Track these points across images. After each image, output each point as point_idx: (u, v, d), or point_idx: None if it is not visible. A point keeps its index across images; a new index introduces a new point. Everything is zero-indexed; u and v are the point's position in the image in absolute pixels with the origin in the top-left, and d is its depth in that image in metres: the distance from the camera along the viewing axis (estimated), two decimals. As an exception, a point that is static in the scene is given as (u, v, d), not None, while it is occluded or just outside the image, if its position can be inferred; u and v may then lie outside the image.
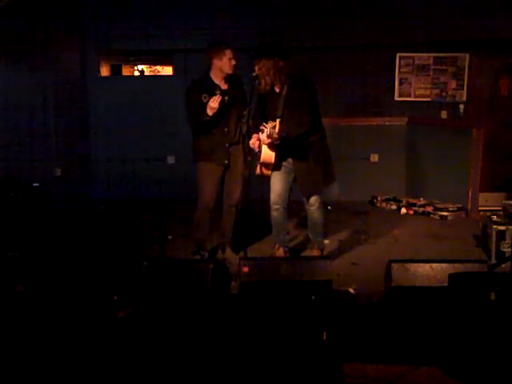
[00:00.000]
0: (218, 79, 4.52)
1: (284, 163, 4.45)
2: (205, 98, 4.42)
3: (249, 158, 4.47)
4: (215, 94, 4.34)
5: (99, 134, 7.38)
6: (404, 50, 7.04)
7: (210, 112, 4.32)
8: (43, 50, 6.63)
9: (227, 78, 4.56)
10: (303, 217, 4.88)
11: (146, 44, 7.24)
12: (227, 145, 4.56)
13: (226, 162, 4.58)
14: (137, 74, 8.45)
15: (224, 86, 4.55)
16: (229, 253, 4.76)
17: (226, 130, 4.54)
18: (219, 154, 4.56)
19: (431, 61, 7.04)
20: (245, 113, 4.12)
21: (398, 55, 7.07)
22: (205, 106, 4.33)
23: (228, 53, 4.47)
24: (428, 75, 7.06)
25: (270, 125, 4.08)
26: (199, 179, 4.68)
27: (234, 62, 4.49)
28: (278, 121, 4.14)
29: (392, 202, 6.83)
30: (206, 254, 4.78)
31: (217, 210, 4.74)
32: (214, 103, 4.29)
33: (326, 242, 5.01)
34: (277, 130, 4.06)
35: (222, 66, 4.48)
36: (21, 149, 6.20)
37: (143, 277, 3.50)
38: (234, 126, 4.56)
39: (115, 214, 6.62)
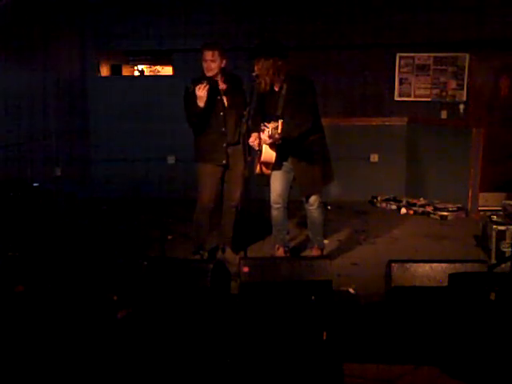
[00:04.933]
0: (213, 78, 4.47)
1: (284, 162, 4.45)
2: (190, 87, 4.40)
3: (248, 159, 4.47)
4: (201, 83, 4.28)
5: (99, 134, 7.38)
6: (404, 49, 7.04)
7: (199, 102, 4.29)
8: (43, 49, 6.62)
9: (226, 79, 4.53)
10: (303, 216, 4.88)
11: (146, 44, 7.25)
12: (225, 145, 4.53)
13: (224, 162, 4.55)
14: (137, 73, 8.45)
15: (222, 86, 4.52)
16: (229, 253, 4.76)
17: (223, 130, 4.51)
18: (217, 155, 4.54)
19: (431, 61, 7.04)
20: (245, 113, 4.11)
21: (397, 55, 7.07)
22: (195, 97, 4.29)
23: (204, 54, 4.42)
24: (428, 75, 7.06)
25: (272, 125, 4.08)
26: (198, 180, 4.67)
27: (205, 65, 4.41)
28: (280, 121, 4.12)
29: (392, 202, 6.83)
30: (206, 254, 4.78)
31: (217, 210, 4.74)
32: (199, 91, 4.25)
33: (326, 241, 5.00)
34: (279, 130, 4.05)
35: (204, 67, 4.45)
36: (21, 149, 6.19)
37: (143, 277, 3.49)
38: (233, 127, 4.54)
39: (115, 214, 6.63)
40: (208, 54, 4.41)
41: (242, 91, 4.61)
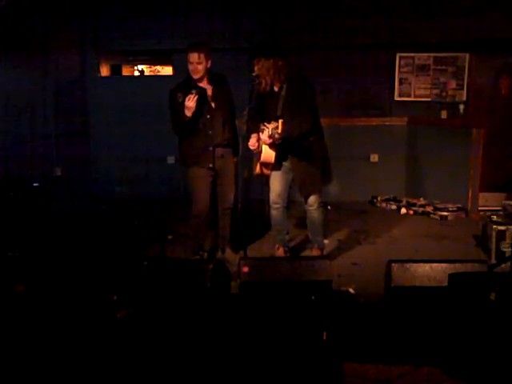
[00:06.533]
0: (200, 80, 4.41)
1: (283, 163, 4.45)
2: (179, 97, 4.32)
3: (234, 160, 4.47)
4: (191, 93, 4.21)
5: (99, 134, 7.38)
6: (404, 49, 7.05)
7: (187, 112, 4.22)
8: (43, 49, 6.63)
9: (211, 79, 4.45)
10: (303, 216, 4.88)
11: (146, 44, 7.24)
12: (211, 148, 4.45)
13: (211, 165, 4.46)
14: (137, 73, 8.45)
15: (208, 87, 4.44)
16: (229, 253, 4.75)
17: (210, 132, 4.43)
18: (204, 158, 4.46)
19: (431, 61, 7.04)
20: (244, 113, 4.10)
21: (397, 55, 7.07)
22: (183, 106, 4.23)
23: (190, 56, 4.31)
24: (428, 75, 7.06)
25: (271, 125, 4.07)
26: (191, 184, 4.61)
27: (191, 67, 4.32)
28: (280, 121, 4.11)
29: (392, 202, 6.83)
30: (206, 254, 4.77)
31: (213, 211, 4.71)
32: (189, 102, 4.18)
33: (326, 241, 5.00)
34: (279, 130, 4.05)
35: (190, 70, 4.37)
36: (21, 149, 6.19)
37: (143, 277, 3.49)
38: (221, 127, 4.47)
39: (115, 214, 6.63)
40: (194, 57, 4.31)
41: (227, 89, 4.54)
